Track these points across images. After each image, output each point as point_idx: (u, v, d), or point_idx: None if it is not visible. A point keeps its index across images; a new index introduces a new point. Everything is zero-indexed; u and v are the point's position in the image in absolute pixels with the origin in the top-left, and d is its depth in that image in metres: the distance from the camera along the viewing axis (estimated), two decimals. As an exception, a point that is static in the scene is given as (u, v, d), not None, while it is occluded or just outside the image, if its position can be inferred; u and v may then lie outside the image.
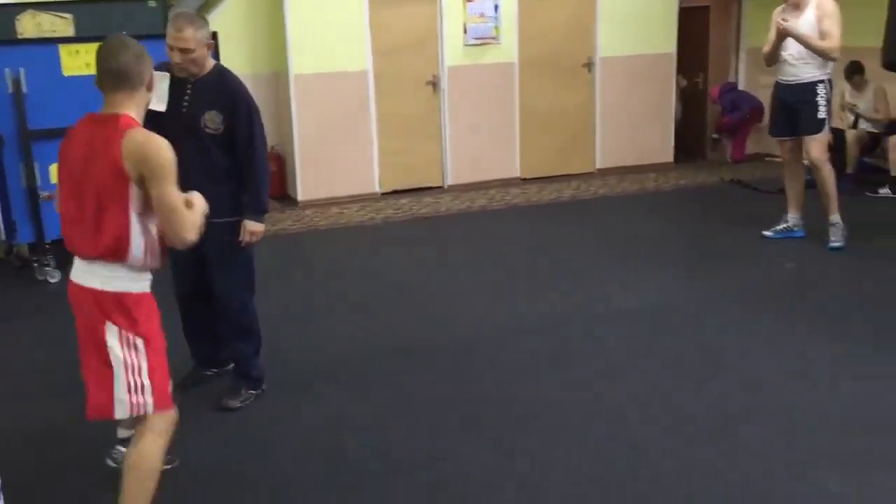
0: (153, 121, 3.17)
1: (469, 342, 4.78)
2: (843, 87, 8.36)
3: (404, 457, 3.55)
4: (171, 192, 2.69)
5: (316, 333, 5.01)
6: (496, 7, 8.88)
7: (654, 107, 9.86)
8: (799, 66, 6.12)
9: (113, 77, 2.74)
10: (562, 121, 9.46)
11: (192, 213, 2.78)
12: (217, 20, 8.31)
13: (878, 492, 3.19)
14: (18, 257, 6.54)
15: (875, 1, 6.89)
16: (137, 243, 2.76)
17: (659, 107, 9.91)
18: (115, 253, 2.72)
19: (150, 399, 2.81)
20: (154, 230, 2.83)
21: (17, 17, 6.28)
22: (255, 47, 8.69)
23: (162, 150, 2.68)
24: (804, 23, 5.97)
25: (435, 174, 9.07)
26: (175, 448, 3.20)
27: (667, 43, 9.78)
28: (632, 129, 9.73)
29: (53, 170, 5.43)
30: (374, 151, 8.73)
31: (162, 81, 3.55)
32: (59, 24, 6.34)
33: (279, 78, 8.66)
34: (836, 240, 6.22)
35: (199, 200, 2.86)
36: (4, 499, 3.04)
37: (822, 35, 5.93)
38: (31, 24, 6.29)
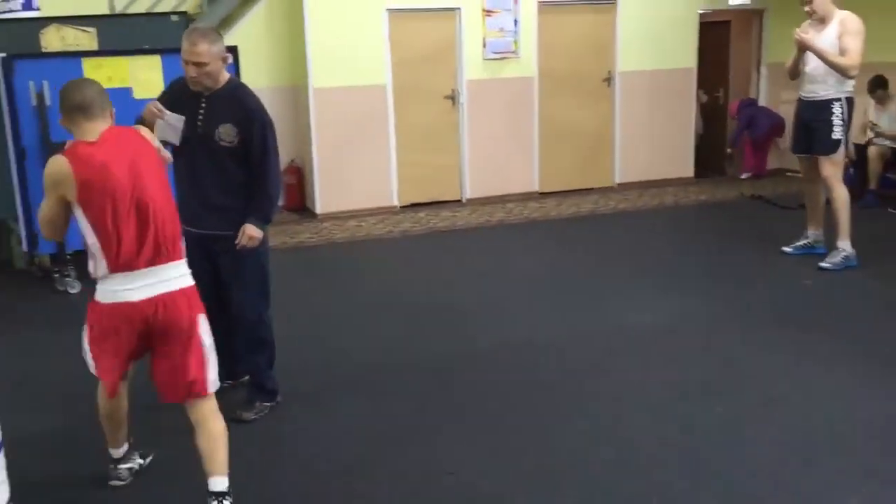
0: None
1: (482, 357, 4.77)
2: (867, 104, 8.28)
3: (414, 469, 3.53)
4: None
5: (332, 346, 5.02)
6: (516, 21, 8.91)
7: (674, 121, 9.84)
8: (817, 82, 6.07)
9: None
10: (581, 135, 9.45)
11: None
12: (238, 34, 8.40)
13: (897, 514, 3.14)
14: (40, 268, 6.62)
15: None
16: None
17: (679, 121, 9.89)
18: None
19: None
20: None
21: (42, 31, 6.37)
22: (276, 61, 8.77)
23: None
24: (825, 38, 5.93)
25: (453, 188, 9.09)
26: (188, 462, 3.22)
27: (687, 58, 9.77)
28: (651, 143, 9.71)
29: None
30: (393, 165, 8.76)
31: (178, 122, 3.63)
32: (82, 38, 6.43)
33: (299, 91, 8.73)
34: (830, 263, 6.11)
35: None
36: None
37: (842, 52, 5.87)
38: (55, 38, 6.37)
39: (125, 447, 3.45)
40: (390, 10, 8.48)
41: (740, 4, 9.95)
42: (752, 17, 10.32)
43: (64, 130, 3.11)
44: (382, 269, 6.80)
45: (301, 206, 8.90)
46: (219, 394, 4.21)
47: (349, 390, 4.37)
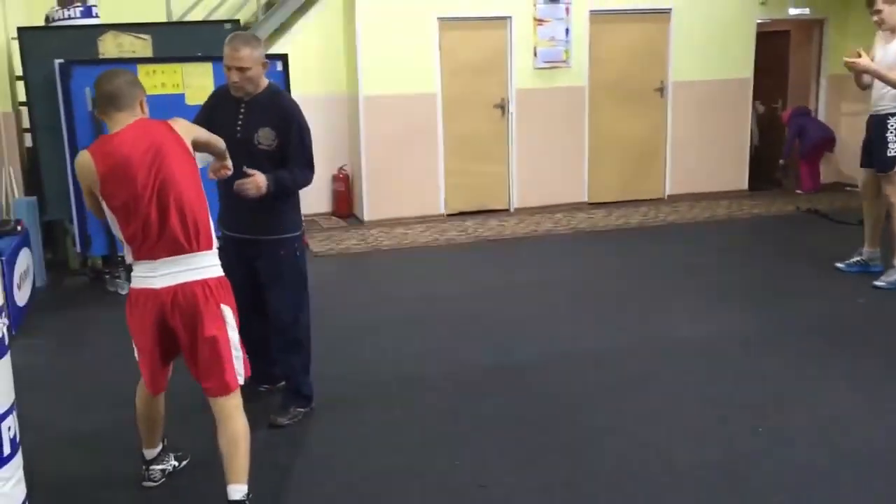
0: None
1: (521, 369, 4.72)
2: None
3: (445, 481, 3.51)
4: None
5: (368, 354, 5.03)
6: (567, 30, 8.86)
7: (728, 133, 9.65)
8: (878, 97, 5.90)
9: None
10: (632, 145, 9.34)
11: None
12: (290, 43, 8.52)
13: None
14: (93, 269, 6.78)
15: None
16: None
17: (734, 133, 9.70)
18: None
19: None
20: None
21: (100, 38, 6.54)
22: (327, 69, 8.86)
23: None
24: (893, 49, 5.75)
25: (501, 197, 9.06)
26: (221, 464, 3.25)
27: (743, 68, 9.58)
28: (705, 155, 9.54)
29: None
30: (441, 173, 8.77)
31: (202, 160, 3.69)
32: (138, 45, 6.58)
33: (349, 99, 8.80)
34: (884, 281, 5.92)
35: None
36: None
37: None
38: (112, 45, 6.54)
39: (159, 448, 3.49)
40: (441, 19, 8.50)
41: (800, 14, 9.72)
42: (812, 26, 10.08)
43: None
44: (424, 278, 6.80)
45: (349, 212, 8.97)
46: (256, 398, 4.29)
47: (383, 399, 4.36)
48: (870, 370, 4.53)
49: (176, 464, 3.58)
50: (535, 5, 8.73)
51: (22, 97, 6.94)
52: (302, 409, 4.12)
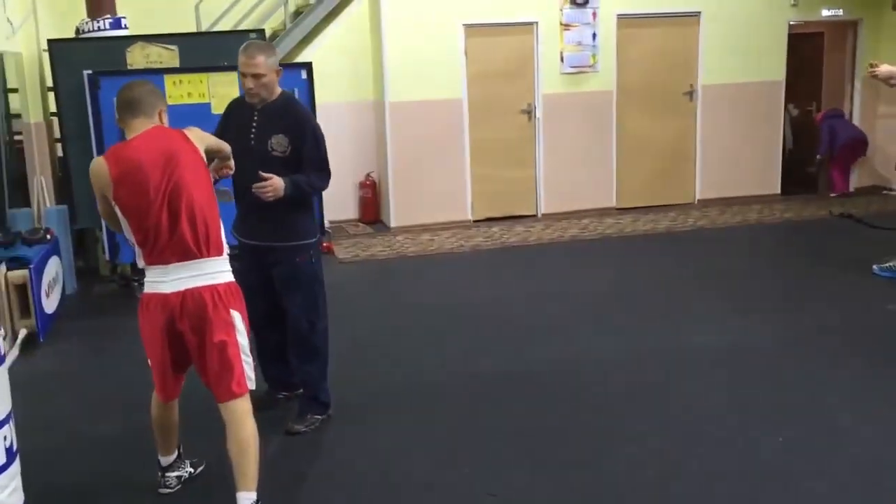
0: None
1: (539, 375, 4.69)
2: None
3: (457, 488, 3.49)
4: None
5: (387, 360, 5.03)
6: (594, 35, 8.80)
7: (760, 136, 9.51)
8: None
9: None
10: (661, 150, 9.25)
11: None
12: (317, 51, 8.59)
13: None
14: (122, 276, 6.88)
15: None
16: None
17: (766, 136, 9.56)
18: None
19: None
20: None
21: (128, 49, 6.64)
22: (353, 76, 8.91)
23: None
24: None
25: (528, 202, 9.02)
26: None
27: (775, 70, 9.44)
28: (735, 158, 9.41)
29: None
30: (468, 179, 8.77)
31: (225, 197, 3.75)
32: (165, 55, 6.67)
33: (376, 106, 8.84)
34: None
35: None
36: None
37: None
38: (140, 56, 6.64)
39: (174, 455, 3.52)
40: (467, 25, 8.50)
41: (833, 15, 9.55)
42: (846, 28, 9.89)
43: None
44: (447, 284, 6.78)
45: (376, 218, 9.00)
46: (274, 405, 4.32)
47: (401, 407, 4.36)
48: (891, 381, 4.42)
49: (192, 470, 3.61)
50: (561, 10, 8.69)
51: (53, 108, 7.07)
52: (319, 417, 4.13)
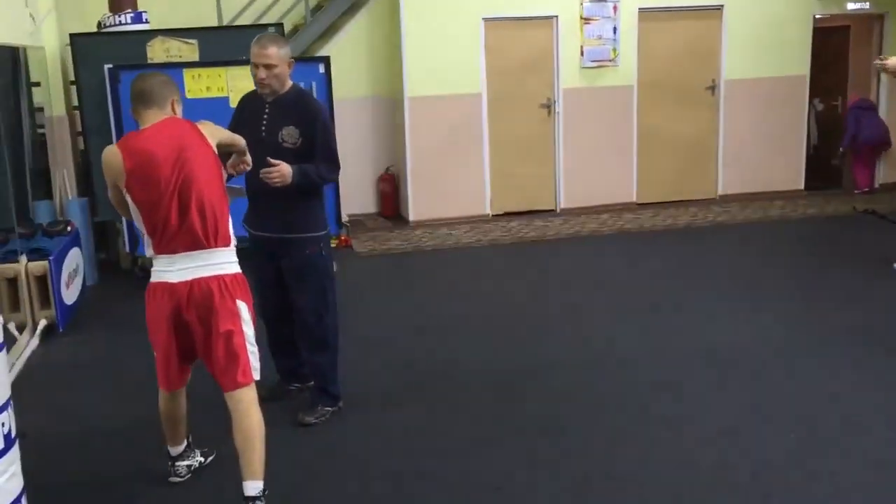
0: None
1: (551, 371, 4.67)
2: None
3: (463, 482, 3.50)
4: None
5: (400, 354, 5.04)
6: (615, 29, 8.74)
7: (783, 131, 9.40)
8: None
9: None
10: (682, 145, 9.17)
11: None
12: (336, 45, 8.61)
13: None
14: (142, 268, 6.95)
15: None
16: None
17: (789, 131, 9.44)
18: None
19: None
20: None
21: (149, 43, 6.71)
22: (373, 71, 8.92)
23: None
24: None
25: (547, 197, 8.99)
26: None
27: (800, 64, 9.32)
28: (758, 154, 9.31)
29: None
30: (486, 173, 8.75)
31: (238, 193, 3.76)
32: (185, 49, 6.74)
33: (395, 101, 8.84)
34: None
35: None
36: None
37: None
38: (160, 50, 6.70)
39: (183, 445, 3.56)
40: (486, 19, 8.48)
41: (859, 8, 9.41)
42: (872, 21, 9.73)
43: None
44: (464, 279, 6.78)
45: (395, 213, 9.01)
46: (286, 397, 4.35)
47: (411, 400, 4.37)
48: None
49: (202, 460, 3.64)
50: (581, 4, 8.64)
51: (75, 101, 7.16)
52: (329, 409, 4.15)
